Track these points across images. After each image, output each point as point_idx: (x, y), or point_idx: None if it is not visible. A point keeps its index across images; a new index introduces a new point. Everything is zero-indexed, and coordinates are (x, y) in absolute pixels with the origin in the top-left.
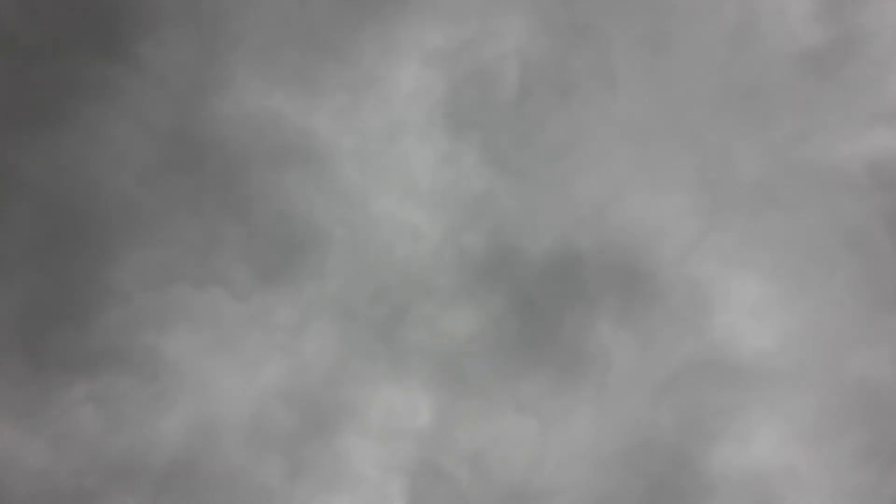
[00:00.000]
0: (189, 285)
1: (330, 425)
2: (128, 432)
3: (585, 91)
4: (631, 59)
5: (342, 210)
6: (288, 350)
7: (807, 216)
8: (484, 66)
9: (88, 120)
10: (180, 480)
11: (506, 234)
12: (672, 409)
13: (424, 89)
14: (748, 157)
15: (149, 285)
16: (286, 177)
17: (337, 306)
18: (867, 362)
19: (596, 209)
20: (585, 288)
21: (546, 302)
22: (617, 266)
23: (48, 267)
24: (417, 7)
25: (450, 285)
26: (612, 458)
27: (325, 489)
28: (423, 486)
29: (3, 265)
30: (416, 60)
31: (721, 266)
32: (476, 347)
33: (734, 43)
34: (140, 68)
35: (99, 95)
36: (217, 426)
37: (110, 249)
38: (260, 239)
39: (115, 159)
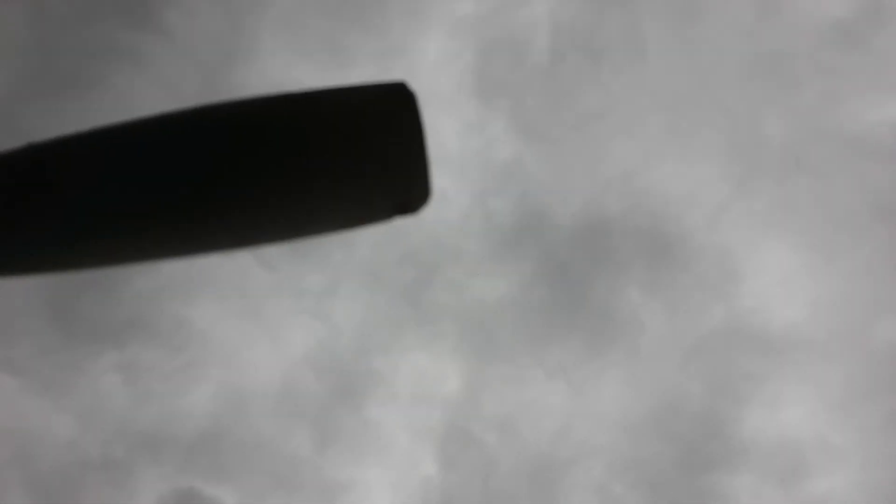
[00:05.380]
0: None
1: (359, 393)
2: (156, 402)
3: (615, 57)
4: (661, 26)
5: None
6: (316, 316)
7: (836, 183)
8: (513, 33)
9: (115, 88)
10: (209, 450)
11: (534, 200)
12: (702, 375)
13: (453, 56)
14: (777, 123)
15: None
16: None
17: (365, 272)
18: None
19: (625, 175)
20: (614, 254)
21: (575, 267)
22: (646, 232)
23: None
24: None
25: (478, 250)
26: (642, 424)
27: (355, 458)
28: (452, 452)
29: None
30: (445, 27)
31: (750, 233)
32: (505, 313)
33: (764, 10)
34: (167, 37)
35: (126, 63)
36: (245, 395)
37: None
38: None
39: None
